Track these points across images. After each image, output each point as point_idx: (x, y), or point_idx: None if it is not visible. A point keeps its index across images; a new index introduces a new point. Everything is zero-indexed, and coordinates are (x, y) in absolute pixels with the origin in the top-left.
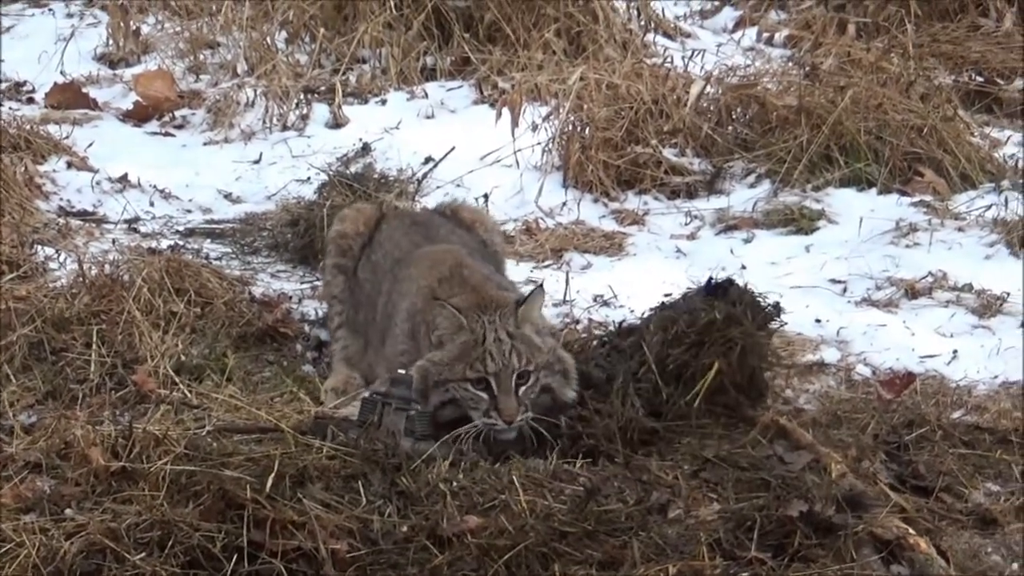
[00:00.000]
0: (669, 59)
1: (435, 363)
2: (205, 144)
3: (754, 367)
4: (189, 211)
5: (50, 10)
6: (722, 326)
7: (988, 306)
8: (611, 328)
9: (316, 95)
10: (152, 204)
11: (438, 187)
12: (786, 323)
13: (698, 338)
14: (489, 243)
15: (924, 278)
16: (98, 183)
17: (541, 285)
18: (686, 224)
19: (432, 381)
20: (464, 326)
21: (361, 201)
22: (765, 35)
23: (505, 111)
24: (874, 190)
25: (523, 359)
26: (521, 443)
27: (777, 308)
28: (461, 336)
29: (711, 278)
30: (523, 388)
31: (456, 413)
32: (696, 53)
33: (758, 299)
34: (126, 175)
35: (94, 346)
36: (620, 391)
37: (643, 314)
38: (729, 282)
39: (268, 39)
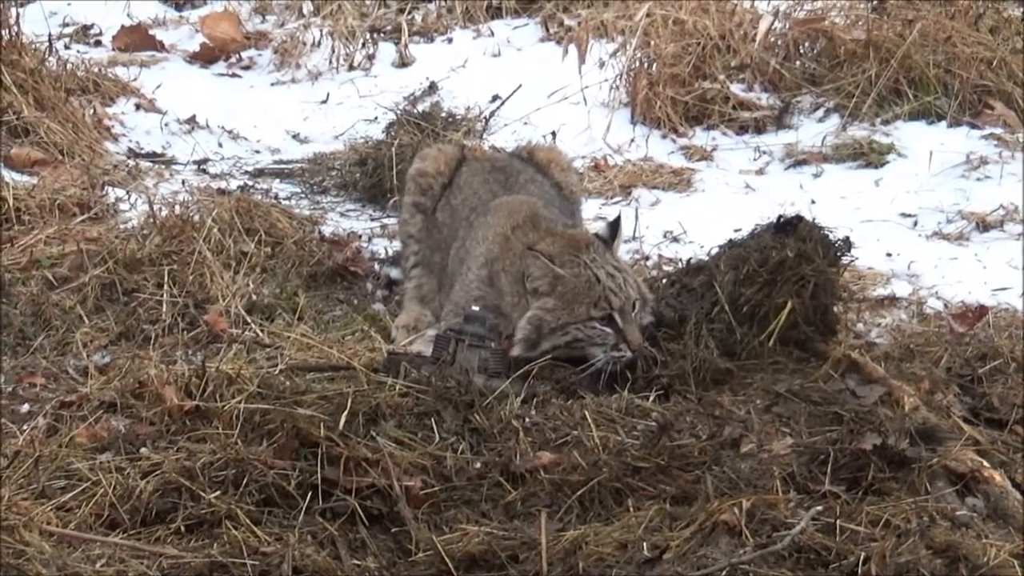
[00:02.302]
0: None
1: (550, 310)
2: (272, 85)
3: (826, 304)
4: (257, 152)
5: None
6: (794, 264)
7: None
8: (680, 266)
9: (382, 34)
10: (220, 145)
11: (505, 125)
12: (856, 258)
13: (770, 277)
14: (564, 184)
15: (995, 211)
16: (166, 124)
17: (619, 218)
18: (755, 159)
19: (548, 328)
20: (561, 274)
21: (430, 139)
22: None
23: (572, 48)
24: (944, 123)
25: (634, 288)
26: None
27: (847, 243)
28: (567, 281)
29: (780, 215)
30: (635, 315)
31: (564, 354)
32: None
33: (827, 235)
34: (194, 116)
35: (166, 286)
36: (694, 332)
37: (711, 251)
38: (798, 218)
39: None
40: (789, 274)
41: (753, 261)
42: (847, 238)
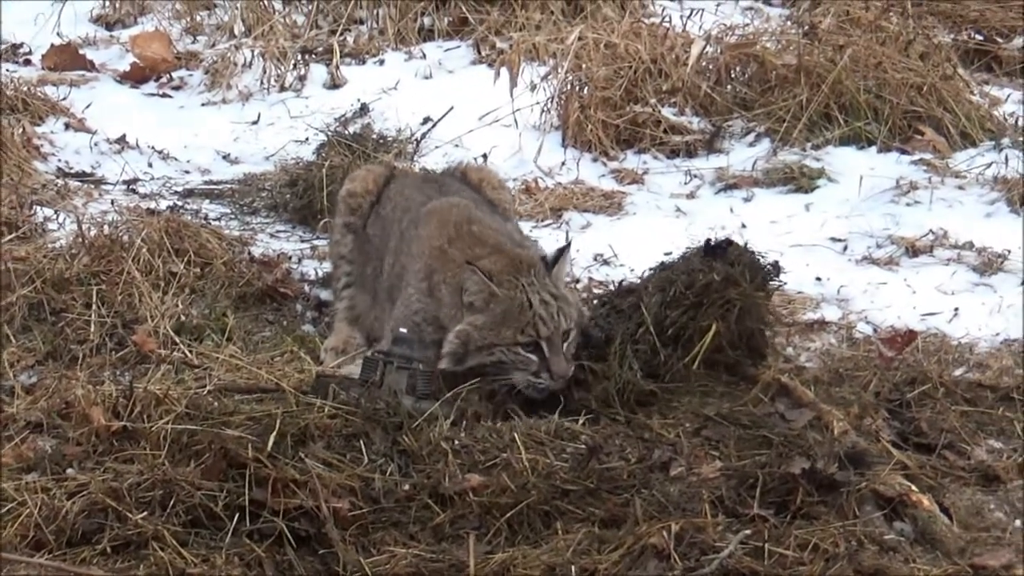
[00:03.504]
0: (667, 18)
1: (478, 327)
2: (203, 105)
3: (752, 328)
4: (187, 172)
5: None
6: (720, 287)
7: (989, 263)
8: (611, 287)
9: (313, 56)
10: (150, 165)
11: (436, 147)
12: (785, 283)
13: (696, 300)
14: (497, 202)
15: (925, 236)
16: (96, 144)
17: (569, 244)
18: (686, 183)
19: (475, 345)
20: (497, 293)
21: (361, 161)
22: None
23: (503, 71)
24: (874, 148)
25: (568, 319)
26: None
27: (776, 267)
28: (501, 301)
29: (709, 239)
30: (566, 345)
31: (491, 372)
32: (694, 12)
33: (756, 259)
34: (124, 136)
35: (94, 306)
36: (618, 353)
37: (643, 274)
38: (728, 242)
39: (265, 0)
40: (715, 297)
41: (680, 283)
42: (776, 263)
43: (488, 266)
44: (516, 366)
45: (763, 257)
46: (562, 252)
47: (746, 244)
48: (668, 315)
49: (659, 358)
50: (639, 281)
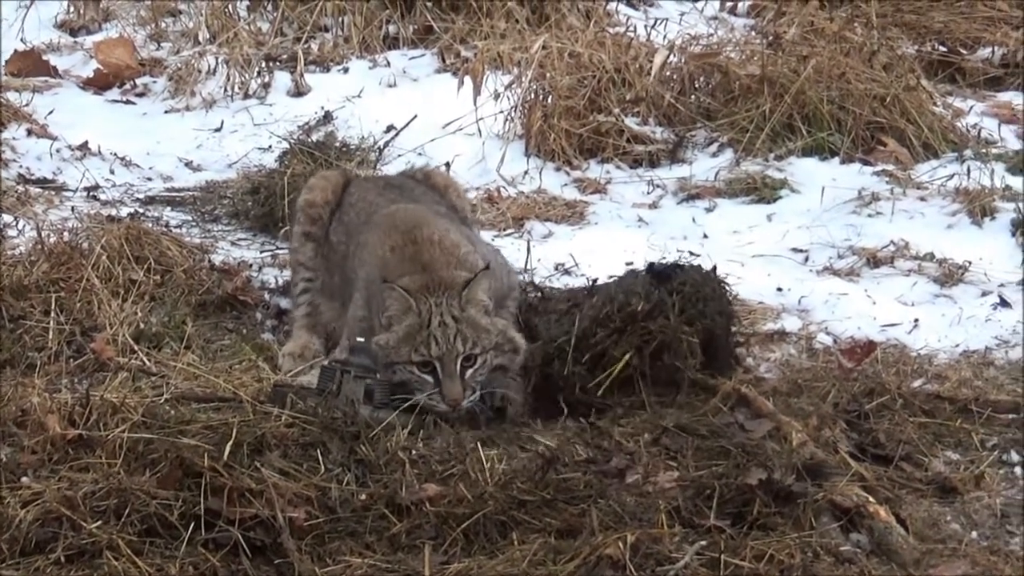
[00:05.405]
0: (632, 28)
1: (382, 346)
2: (166, 112)
3: (669, 363)
4: (149, 179)
5: None
6: (644, 317)
7: (949, 275)
8: (586, 283)
9: (278, 63)
10: (112, 172)
11: (399, 156)
12: (735, 317)
13: (621, 325)
14: (460, 209)
15: (886, 247)
16: (58, 151)
17: (487, 267)
18: (648, 193)
19: (381, 364)
20: (412, 308)
21: (323, 169)
22: (728, 4)
23: (467, 79)
24: (836, 159)
25: (468, 343)
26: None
27: (724, 299)
28: (408, 318)
29: (653, 263)
30: (470, 371)
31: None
32: (659, 22)
33: (704, 288)
34: (86, 143)
35: (52, 314)
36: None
37: (609, 279)
38: (676, 267)
39: (230, 7)
40: (637, 327)
41: (615, 303)
42: (725, 292)
43: (405, 284)
44: (416, 386)
45: (725, 284)
46: (476, 275)
47: (697, 268)
48: (596, 332)
49: (569, 373)
50: (603, 284)
